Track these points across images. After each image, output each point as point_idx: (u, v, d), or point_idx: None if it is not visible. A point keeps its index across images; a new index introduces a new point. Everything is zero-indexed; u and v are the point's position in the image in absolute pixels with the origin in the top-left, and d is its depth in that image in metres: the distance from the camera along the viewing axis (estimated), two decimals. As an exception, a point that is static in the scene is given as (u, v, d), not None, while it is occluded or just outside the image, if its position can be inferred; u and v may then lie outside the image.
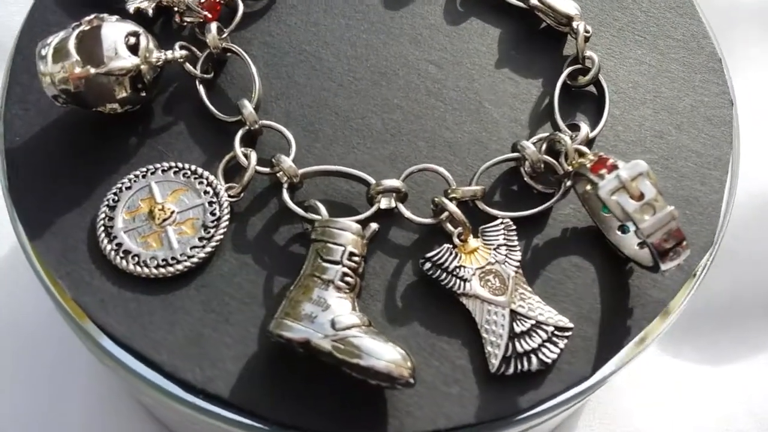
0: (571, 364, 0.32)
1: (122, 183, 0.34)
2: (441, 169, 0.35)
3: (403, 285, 0.33)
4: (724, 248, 0.43)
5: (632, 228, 0.31)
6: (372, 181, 0.34)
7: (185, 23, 0.39)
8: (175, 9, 0.39)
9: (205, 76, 0.37)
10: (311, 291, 0.31)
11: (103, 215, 0.34)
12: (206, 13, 0.38)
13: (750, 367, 0.49)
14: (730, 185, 0.36)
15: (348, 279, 0.31)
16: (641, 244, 0.33)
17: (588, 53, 0.38)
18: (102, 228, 0.33)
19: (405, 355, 0.29)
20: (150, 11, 0.38)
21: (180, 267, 0.33)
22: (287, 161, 0.34)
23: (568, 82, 0.38)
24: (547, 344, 0.32)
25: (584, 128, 0.36)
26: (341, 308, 0.30)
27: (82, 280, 0.32)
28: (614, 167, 0.31)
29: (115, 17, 0.35)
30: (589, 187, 0.34)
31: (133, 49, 0.34)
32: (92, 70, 0.33)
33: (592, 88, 0.38)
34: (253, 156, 0.34)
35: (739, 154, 0.37)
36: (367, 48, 0.39)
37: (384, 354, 0.29)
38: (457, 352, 0.32)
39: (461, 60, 0.39)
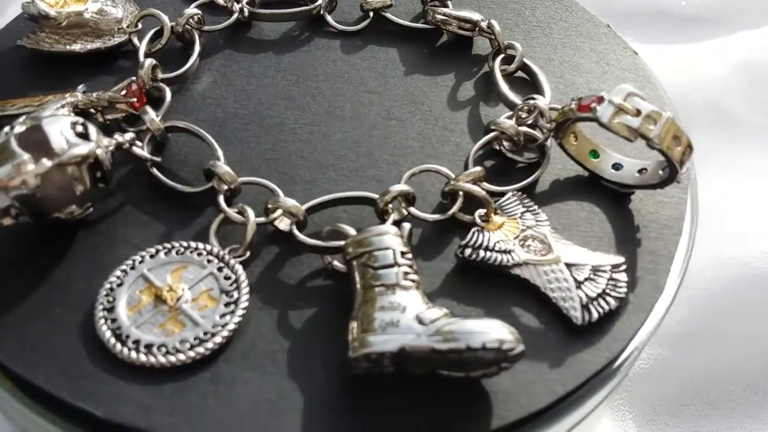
0: (637, 294, 0.31)
1: (110, 283, 0.30)
2: (439, 167, 0.34)
3: (438, 283, 0.31)
4: (703, 329, 0.45)
5: (643, 141, 0.32)
6: (375, 196, 0.33)
7: (108, 121, 0.36)
8: (93, 110, 0.36)
9: (155, 158, 0.34)
10: (377, 301, 0.28)
11: (102, 320, 0.29)
12: (134, 100, 0.35)
13: None
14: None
15: (411, 276, 0.29)
16: (640, 171, 0.34)
17: (507, 42, 0.40)
18: (109, 333, 0.28)
19: (505, 323, 0.27)
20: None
21: (218, 339, 0.28)
22: (290, 200, 0.32)
23: (501, 69, 0.39)
24: (612, 282, 0.31)
25: (540, 98, 0.37)
26: (418, 304, 0.28)
27: (108, 396, 0.27)
28: (601, 99, 0.32)
29: (48, 112, 0.31)
30: (573, 138, 0.35)
31: (83, 136, 0.31)
32: (48, 163, 0.29)
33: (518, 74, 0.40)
34: (250, 211, 0.32)
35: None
36: (303, 95, 0.39)
37: (489, 327, 0.27)
38: (530, 323, 0.30)
39: (391, 82, 0.39)
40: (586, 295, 0.30)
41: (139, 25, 0.40)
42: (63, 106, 0.35)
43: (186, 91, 0.39)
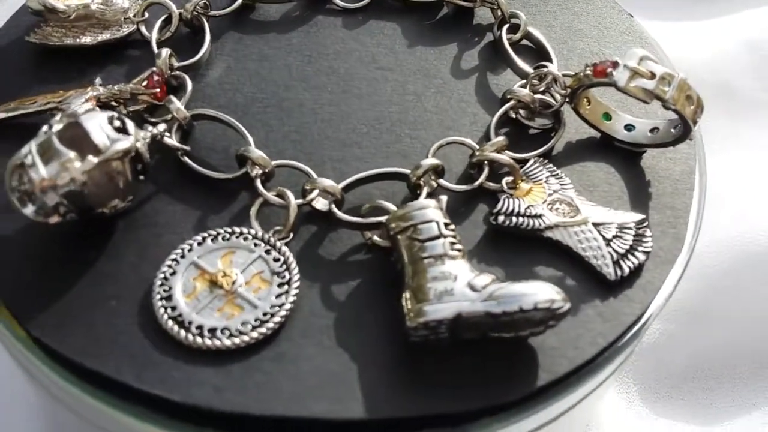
0: (661, 247, 0.33)
1: (163, 272, 0.31)
2: (463, 139, 0.35)
3: (473, 250, 0.33)
4: (710, 306, 0.46)
5: (659, 103, 0.34)
6: (407, 171, 0.34)
7: (130, 112, 0.36)
8: (115, 103, 0.36)
9: (185, 147, 0.35)
10: (428, 272, 0.29)
11: (161, 311, 0.29)
12: (156, 91, 0.36)
13: (744, 427, 0.46)
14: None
15: (456, 246, 0.30)
16: (652, 130, 0.36)
17: (511, 11, 0.41)
18: (171, 321, 0.29)
19: (551, 284, 0.29)
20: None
21: (277, 319, 0.30)
22: (327, 180, 0.33)
23: (506, 37, 0.40)
24: (638, 237, 0.33)
25: (550, 65, 0.38)
26: (467, 272, 0.29)
27: (180, 381, 0.28)
28: (615, 64, 0.34)
29: (83, 108, 0.31)
30: (586, 103, 0.36)
31: (122, 131, 0.31)
32: (94, 159, 0.30)
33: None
34: (289, 194, 0.32)
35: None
36: (317, 75, 0.39)
37: (538, 289, 0.28)
38: (565, 282, 0.32)
39: (401, 58, 0.40)
40: (616, 251, 0.32)
41: (146, 14, 0.40)
42: (87, 101, 0.35)
43: (202, 78, 0.39)
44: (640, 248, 0.32)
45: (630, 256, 0.32)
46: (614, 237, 0.33)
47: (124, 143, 0.30)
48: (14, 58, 0.40)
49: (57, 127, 0.30)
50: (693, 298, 0.47)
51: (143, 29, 0.40)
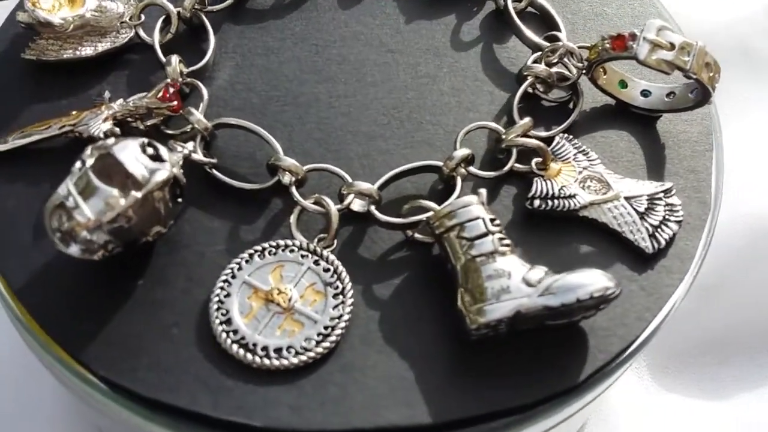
0: (690, 214, 0.34)
1: (217, 295, 0.31)
2: (488, 123, 0.35)
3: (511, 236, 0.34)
4: (723, 281, 0.46)
5: (680, 72, 0.34)
6: (439, 163, 0.34)
7: (147, 127, 0.35)
8: (130, 119, 0.35)
9: (212, 160, 0.34)
10: (482, 271, 0.30)
11: (224, 335, 0.30)
12: (174, 104, 0.35)
13: (752, 401, 0.46)
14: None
15: (505, 241, 0.31)
16: (669, 95, 0.37)
17: (516, -22, 0.41)
18: (236, 345, 0.30)
19: (602, 271, 0.30)
20: (116, 130, 0.34)
21: (338, 331, 0.30)
22: (363, 184, 0.33)
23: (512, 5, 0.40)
24: (668, 207, 0.34)
25: (559, 34, 0.38)
26: (520, 267, 0.30)
27: (256, 404, 0.29)
28: (633, 36, 0.34)
29: (111, 139, 0.31)
30: (602, 72, 0.37)
31: (156, 158, 0.31)
32: (138, 194, 0.29)
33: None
34: (328, 200, 0.33)
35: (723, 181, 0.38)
36: (328, 65, 0.39)
37: (592, 278, 0.29)
38: (604, 260, 0.33)
39: (408, 38, 0.40)
40: (650, 224, 0.33)
41: (142, 17, 0.39)
42: (104, 120, 0.34)
43: (212, 80, 0.38)
44: (672, 218, 0.34)
45: (664, 227, 0.33)
46: (647, 210, 0.34)
47: (163, 173, 0.30)
48: (7, 75, 0.38)
49: (90, 161, 0.30)
50: (705, 273, 0.47)
51: (141, 33, 0.39)
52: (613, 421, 0.45)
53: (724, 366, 0.47)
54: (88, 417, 0.44)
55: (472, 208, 0.31)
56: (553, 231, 0.34)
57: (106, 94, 0.36)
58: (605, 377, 0.31)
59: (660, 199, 0.34)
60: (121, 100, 0.35)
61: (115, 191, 0.29)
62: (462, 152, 0.34)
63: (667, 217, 0.34)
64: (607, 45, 0.35)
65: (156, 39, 0.38)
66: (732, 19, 0.57)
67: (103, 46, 0.38)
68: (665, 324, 0.32)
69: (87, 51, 0.38)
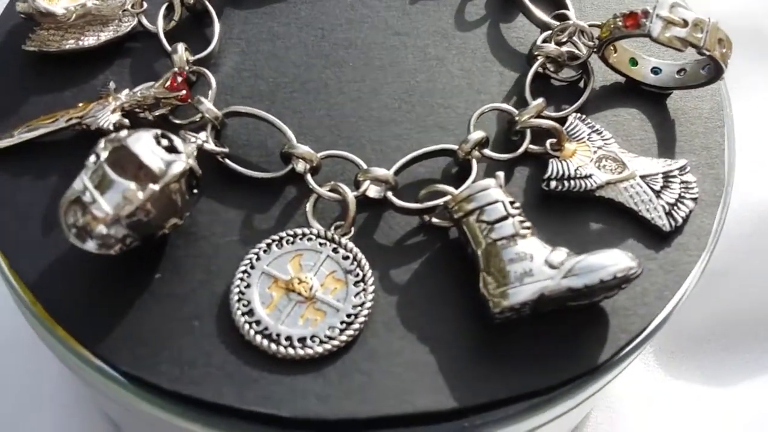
0: (705, 190, 0.35)
1: (236, 287, 0.31)
2: (500, 105, 0.35)
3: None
4: (730, 267, 0.46)
5: (693, 49, 0.34)
6: (454, 147, 0.34)
7: (155, 117, 0.35)
8: (138, 109, 0.35)
9: (224, 149, 0.34)
10: (503, 254, 0.30)
11: (246, 327, 0.30)
12: (182, 93, 0.34)
13: (758, 388, 0.46)
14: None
15: (525, 224, 0.31)
16: (680, 71, 0.37)
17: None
18: (259, 336, 0.29)
19: (624, 251, 0.30)
20: (125, 121, 0.34)
21: (362, 319, 0.30)
22: (379, 170, 0.33)
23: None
24: (684, 185, 0.34)
25: (569, 14, 0.38)
26: (541, 249, 0.30)
27: (283, 395, 0.28)
28: (645, 13, 0.34)
29: (124, 131, 0.30)
30: (613, 50, 0.37)
31: (171, 150, 0.30)
32: (156, 187, 0.29)
33: None
34: (345, 188, 0.32)
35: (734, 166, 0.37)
36: (335, 49, 0.38)
37: (614, 259, 0.29)
38: (621, 238, 0.33)
39: (414, 19, 0.39)
40: (666, 202, 0.33)
41: (144, 4, 0.38)
42: (113, 112, 0.34)
43: (218, 68, 0.38)
44: (687, 195, 0.34)
45: (680, 205, 0.33)
46: (662, 188, 0.34)
47: (180, 164, 0.29)
48: (8, 67, 0.37)
49: (104, 155, 0.29)
50: (711, 259, 0.47)
51: (144, 20, 0.38)
52: (619, 408, 0.45)
53: (730, 352, 0.47)
54: (95, 403, 0.44)
55: (491, 192, 0.31)
56: (570, 212, 0.34)
57: (111, 85, 0.35)
58: (627, 356, 0.31)
59: (675, 176, 0.34)
60: (127, 91, 0.35)
61: (132, 184, 0.28)
62: (477, 135, 0.34)
63: (682, 194, 0.34)
64: (620, 23, 0.35)
65: (160, 27, 0.37)
66: (745, 2, 0.57)
67: (105, 35, 0.37)
68: (684, 302, 0.33)
69: (90, 41, 0.37)
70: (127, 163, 0.29)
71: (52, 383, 0.44)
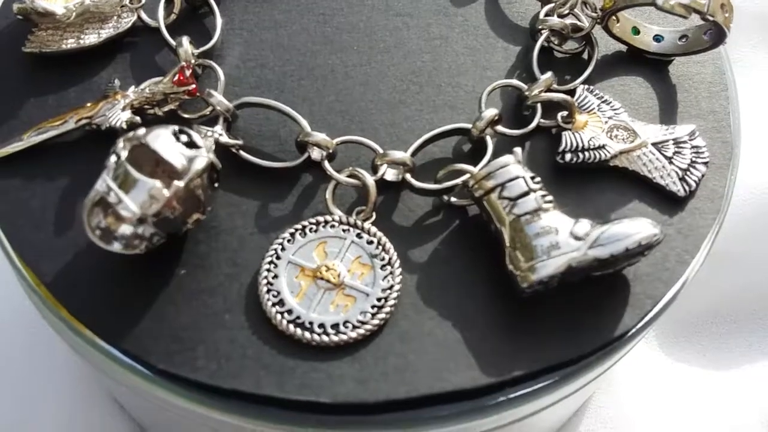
0: (714, 154, 0.35)
1: (265, 277, 0.31)
2: (510, 81, 0.35)
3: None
4: (733, 251, 0.45)
5: (696, 15, 0.34)
6: (467, 125, 0.34)
7: (164, 113, 0.35)
8: (147, 106, 0.34)
9: (239, 141, 0.34)
10: (528, 229, 0.30)
11: (279, 317, 0.30)
12: (191, 87, 0.34)
13: (760, 372, 0.46)
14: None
15: (547, 198, 0.31)
16: (682, 38, 0.37)
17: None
18: (292, 326, 0.30)
19: (646, 219, 0.30)
20: (137, 119, 0.34)
21: (392, 302, 0.30)
22: (397, 153, 0.33)
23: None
24: (695, 150, 0.34)
25: (570, -14, 0.38)
26: (565, 222, 0.30)
27: (322, 382, 0.29)
28: (649, -18, 0.34)
29: (141, 129, 0.30)
30: (615, 21, 0.37)
31: (191, 145, 0.30)
32: (180, 184, 0.29)
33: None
34: (365, 173, 0.32)
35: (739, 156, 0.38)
36: (338, 34, 0.38)
37: (638, 227, 0.30)
38: (637, 206, 0.34)
39: (418, 3, 0.39)
40: (679, 168, 0.34)
41: (143, -1, 0.38)
42: (123, 110, 0.34)
43: (223, 59, 0.37)
44: (699, 160, 0.34)
45: (692, 170, 0.34)
46: (674, 154, 0.34)
47: (202, 159, 0.29)
48: (12, 70, 0.37)
49: (124, 154, 0.29)
50: (713, 242, 0.48)
51: (144, 15, 0.38)
52: (622, 391, 0.46)
53: (733, 336, 0.47)
54: (102, 385, 0.44)
55: (511, 168, 0.31)
56: (585, 183, 0.34)
57: (116, 82, 0.35)
58: (653, 321, 0.31)
59: (685, 142, 0.35)
60: (133, 87, 0.35)
61: (157, 182, 0.28)
62: (490, 112, 0.34)
63: (694, 159, 0.34)
64: (623, -7, 0.35)
65: (161, 20, 0.37)
66: None
67: (106, 32, 0.37)
68: (703, 267, 0.33)
69: (91, 39, 0.37)
70: (148, 161, 0.29)
71: (60, 368, 0.44)
